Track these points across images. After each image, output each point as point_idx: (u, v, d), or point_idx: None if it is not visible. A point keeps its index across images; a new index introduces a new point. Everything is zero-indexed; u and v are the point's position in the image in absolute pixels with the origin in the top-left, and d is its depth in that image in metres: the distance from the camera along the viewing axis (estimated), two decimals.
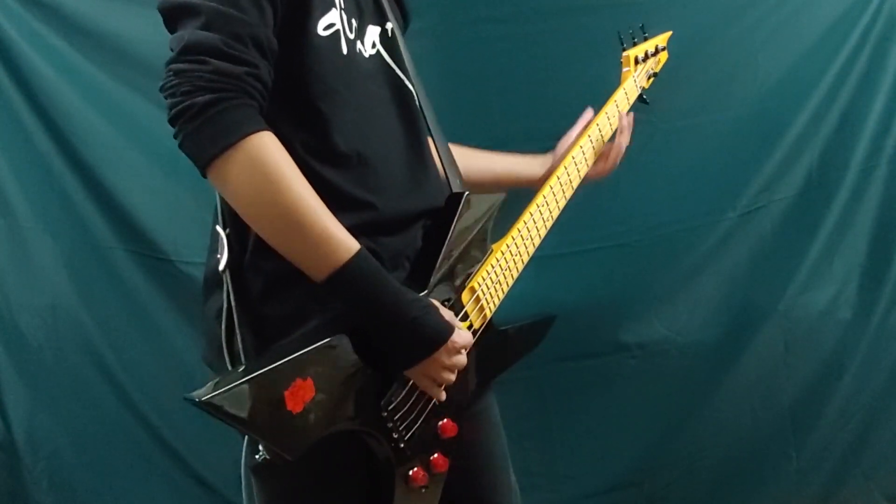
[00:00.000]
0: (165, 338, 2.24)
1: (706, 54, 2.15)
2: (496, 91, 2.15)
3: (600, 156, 1.58)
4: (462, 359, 1.19)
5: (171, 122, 1.07)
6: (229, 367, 1.18)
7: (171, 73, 1.07)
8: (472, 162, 1.54)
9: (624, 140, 1.59)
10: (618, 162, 1.60)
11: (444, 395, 1.21)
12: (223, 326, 1.18)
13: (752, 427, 2.37)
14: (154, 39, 2.11)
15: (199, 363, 2.16)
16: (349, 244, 1.10)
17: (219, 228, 1.20)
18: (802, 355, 2.35)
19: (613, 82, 1.64)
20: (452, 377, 1.19)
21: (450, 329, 1.17)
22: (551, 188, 1.44)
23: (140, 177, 2.19)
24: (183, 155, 1.07)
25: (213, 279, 1.21)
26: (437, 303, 1.19)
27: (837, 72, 2.29)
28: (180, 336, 2.23)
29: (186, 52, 1.06)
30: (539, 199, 1.41)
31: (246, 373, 1.05)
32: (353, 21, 1.22)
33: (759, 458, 2.38)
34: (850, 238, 2.34)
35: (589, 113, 1.62)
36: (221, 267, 1.17)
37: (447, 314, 1.19)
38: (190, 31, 1.07)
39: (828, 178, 2.32)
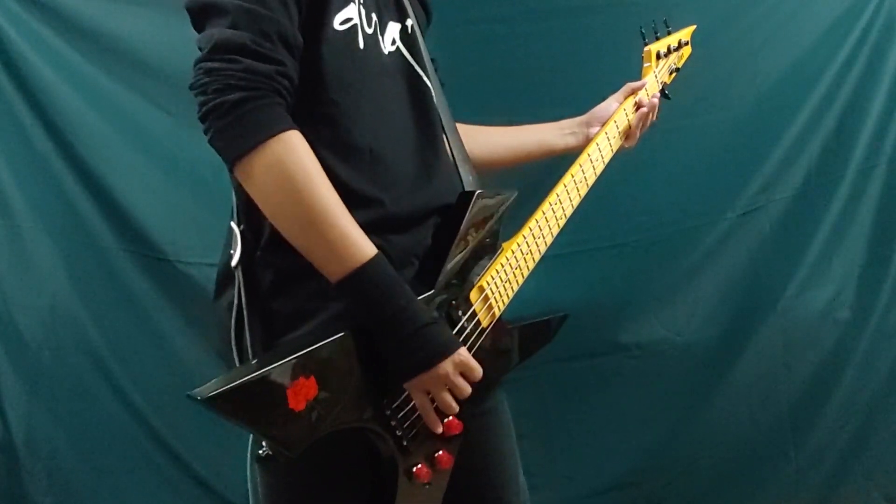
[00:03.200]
0: (164, 338, 2.24)
1: (705, 54, 2.14)
2: (496, 91, 2.16)
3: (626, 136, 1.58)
4: (466, 387, 1.18)
5: (202, 118, 1.09)
6: (237, 361, 1.19)
7: (201, 70, 1.09)
8: (500, 139, 1.56)
9: (651, 117, 1.60)
10: (642, 134, 1.60)
11: (439, 428, 1.20)
12: (233, 320, 1.19)
13: (750, 427, 2.37)
14: (154, 40, 2.13)
15: (198, 363, 2.18)
16: (366, 248, 1.12)
17: (233, 224, 1.21)
18: (801, 355, 2.36)
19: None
20: (454, 405, 1.18)
21: (457, 343, 1.17)
22: (565, 186, 1.42)
23: (139, 177, 2.19)
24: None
25: (226, 274, 1.22)
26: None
27: (836, 72, 2.29)
28: (179, 336, 2.23)
29: (217, 51, 1.08)
30: (552, 198, 1.40)
31: (248, 371, 1.06)
32: (373, 16, 1.23)
33: (758, 458, 2.38)
34: (848, 238, 2.34)
35: (627, 87, 1.61)
36: (234, 262, 1.19)
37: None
38: (219, 30, 1.09)
39: (827, 179, 2.33)
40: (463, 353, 1.17)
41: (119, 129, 2.18)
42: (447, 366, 1.15)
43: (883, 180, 2.33)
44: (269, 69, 1.08)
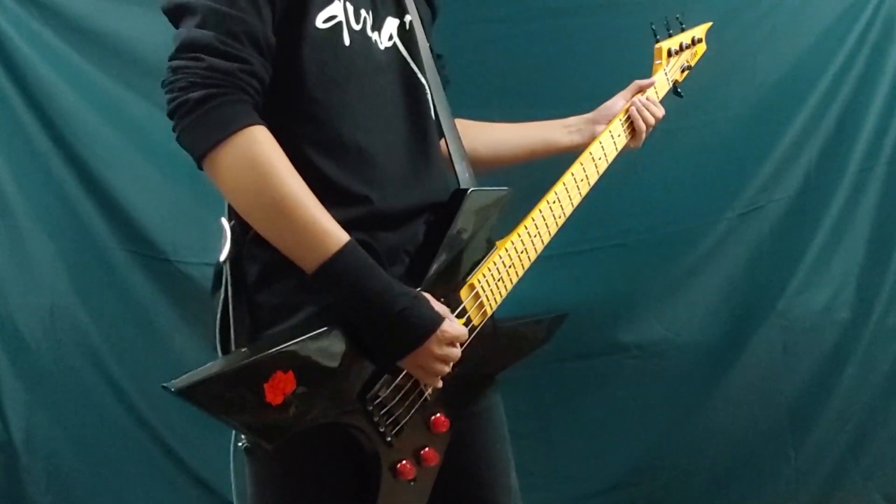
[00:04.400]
0: (164, 338, 2.24)
1: (704, 54, 2.15)
2: (496, 91, 2.16)
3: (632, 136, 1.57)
4: (455, 351, 1.19)
5: (169, 116, 1.11)
6: (220, 353, 1.20)
7: (169, 69, 1.11)
8: (505, 136, 1.56)
9: (657, 113, 1.58)
10: (648, 134, 1.59)
11: (440, 383, 1.21)
12: (219, 313, 1.20)
13: (750, 427, 2.37)
14: (152, 39, 2.13)
15: (198, 362, 2.17)
16: (338, 236, 1.12)
17: (223, 220, 1.22)
18: (801, 355, 2.36)
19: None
20: (446, 368, 1.19)
21: (439, 319, 1.17)
22: (564, 185, 1.41)
23: (139, 177, 2.20)
24: (181, 154, 1.09)
25: (218, 269, 1.23)
26: (428, 295, 1.19)
27: (836, 72, 2.29)
28: (179, 336, 2.23)
29: (183, 50, 1.11)
30: (550, 196, 1.39)
31: (227, 363, 1.07)
32: (363, 13, 1.24)
33: (757, 459, 2.38)
34: (848, 238, 2.34)
35: (635, 84, 1.60)
36: (222, 257, 1.20)
37: (439, 307, 1.20)
38: (187, 29, 1.11)
39: (826, 179, 2.33)
40: (446, 326, 1.17)
41: (119, 129, 2.19)
42: (432, 344, 1.16)
43: (883, 180, 2.33)
44: (233, 67, 1.09)
